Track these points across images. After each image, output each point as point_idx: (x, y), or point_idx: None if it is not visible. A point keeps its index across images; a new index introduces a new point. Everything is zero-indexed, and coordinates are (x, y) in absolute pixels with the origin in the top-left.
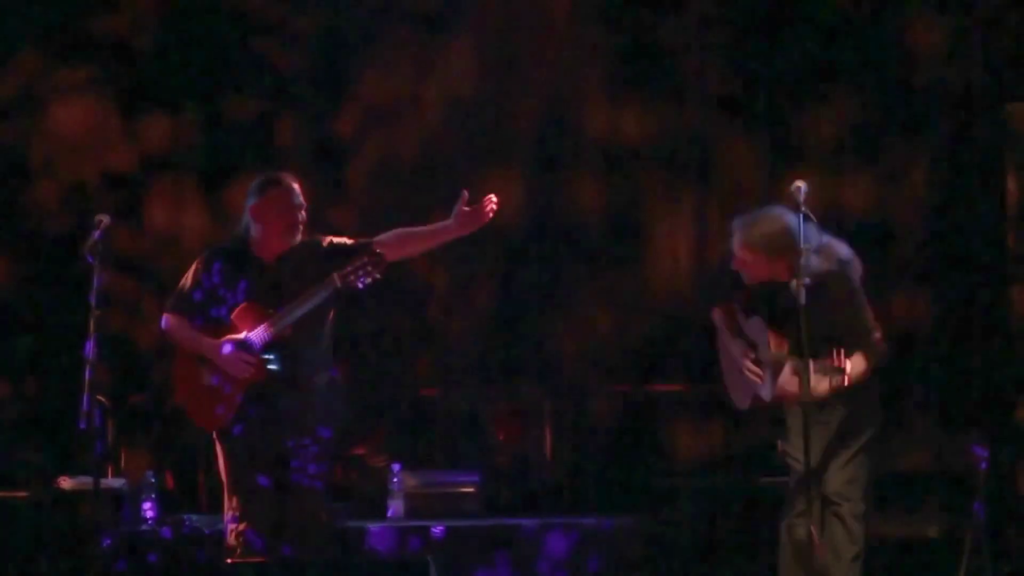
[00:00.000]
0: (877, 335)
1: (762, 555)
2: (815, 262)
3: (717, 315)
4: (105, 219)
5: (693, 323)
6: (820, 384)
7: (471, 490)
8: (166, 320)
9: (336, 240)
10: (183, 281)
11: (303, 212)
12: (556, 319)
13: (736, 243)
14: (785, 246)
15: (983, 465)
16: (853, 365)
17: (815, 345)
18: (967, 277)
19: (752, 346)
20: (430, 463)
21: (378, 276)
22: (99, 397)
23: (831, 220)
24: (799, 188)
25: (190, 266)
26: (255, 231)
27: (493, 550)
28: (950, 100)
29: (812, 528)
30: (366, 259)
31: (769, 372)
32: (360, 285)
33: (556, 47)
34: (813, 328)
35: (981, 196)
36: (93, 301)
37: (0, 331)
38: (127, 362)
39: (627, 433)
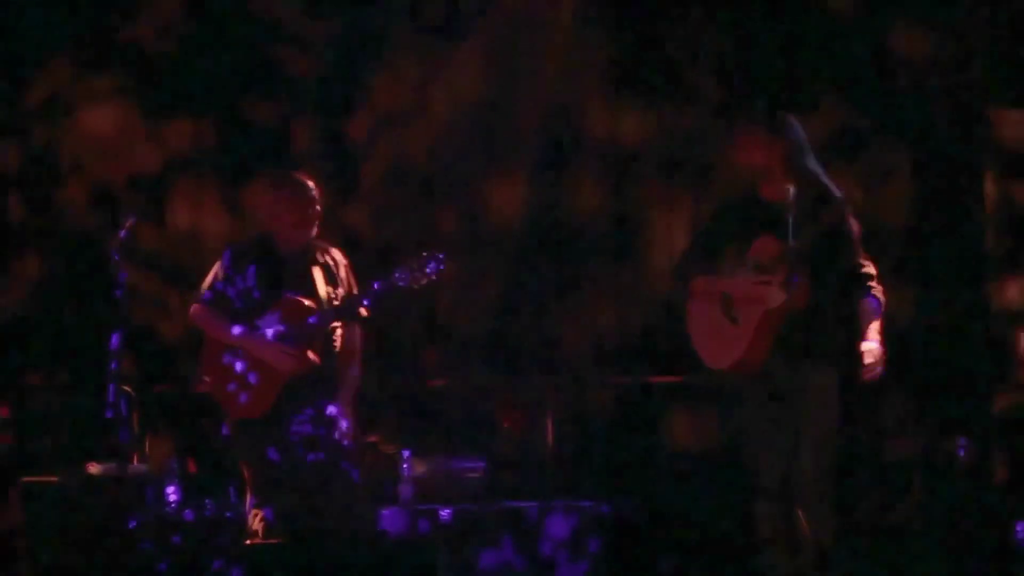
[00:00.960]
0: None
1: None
2: (814, 165)
3: (695, 285)
4: (130, 218)
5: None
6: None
7: (477, 475)
8: (194, 310)
9: (343, 261)
10: (210, 274)
11: (316, 207)
12: (558, 314)
13: (736, 128)
14: (784, 124)
15: (961, 452)
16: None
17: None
18: (948, 275)
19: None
20: (438, 450)
21: (433, 278)
22: (125, 387)
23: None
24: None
25: (213, 261)
26: (273, 226)
27: (498, 532)
28: (933, 106)
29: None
30: (421, 260)
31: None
32: (415, 285)
33: (558, 55)
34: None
35: (961, 198)
36: (119, 296)
37: (31, 324)
38: (151, 354)
39: (625, 422)
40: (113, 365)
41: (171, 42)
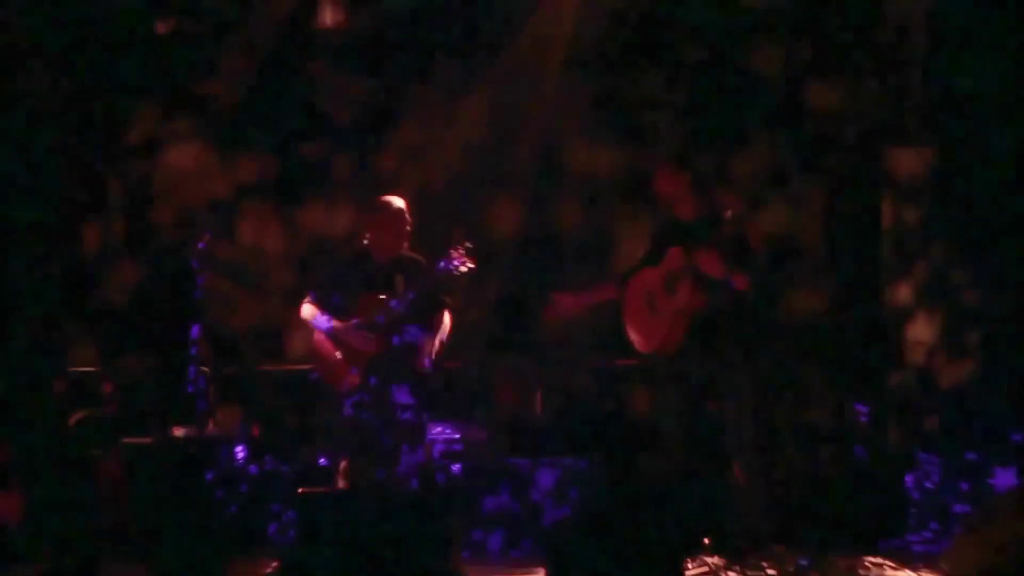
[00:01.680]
0: None
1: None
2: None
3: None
4: (207, 234)
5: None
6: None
7: (481, 437)
8: (305, 308)
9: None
10: (318, 277)
11: (408, 227)
12: (546, 308)
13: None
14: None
15: (863, 418)
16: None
17: None
18: (853, 280)
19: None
20: (451, 418)
21: (470, 266)
22: (202, 368)
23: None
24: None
25: (274, 268)
26: (371, 240)
27: (497, 483)
28: (842, 146)
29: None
30: (457, 253)
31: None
32: (455, 272)
33: (546, 103)
34: None
35: (863, 218)
36: (198, 296)
37: (132, 318)
38: (223, 341)
39: (599, 395)
40: (193, 350)
41: (239, 94)
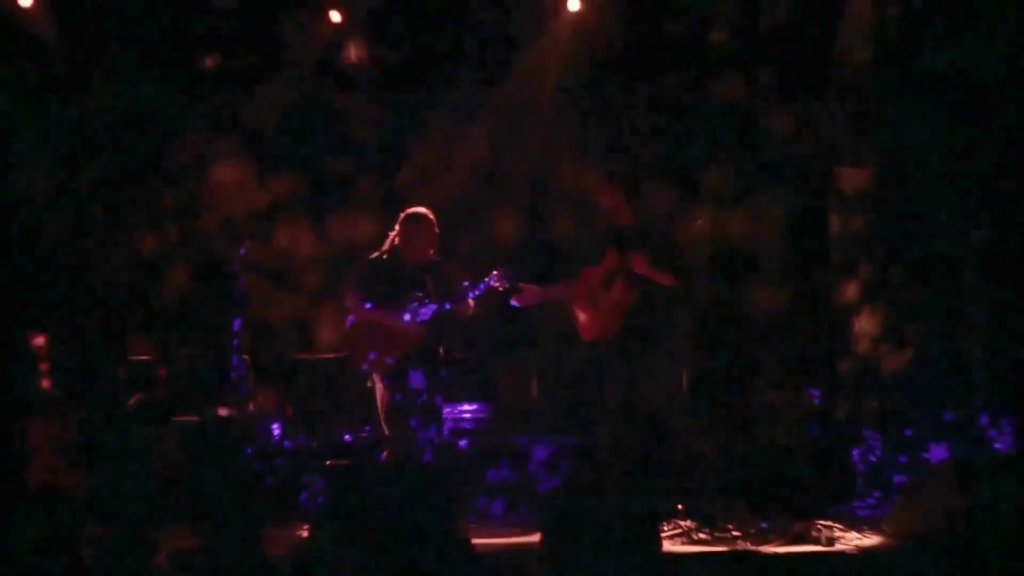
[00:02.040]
0: None
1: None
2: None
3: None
4: (247, 240)
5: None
6: None
7: (485, 416)
8: (350, 298)
9: (449, 270)
10: (358, 273)
11: (435, 235)
12: (540, 308)
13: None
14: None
15: (816, 400)
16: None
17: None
18: (806, 281)
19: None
20: (458, 399)
21: (507, 284)
22: (243, 356)
23: (720, 243)
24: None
25: (306, 271)
26: (404, 245)
27: (499, 456)
28: (796, 166)
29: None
30: (496, 274)
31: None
32: (500, 288)
33: (540, 131)
34: None
35: (814, 229)
36: (240, 294)
37: (182, 313)
38: (261, 333)
39: (586, 380)
40: (235, 341)
41: (275, 119)
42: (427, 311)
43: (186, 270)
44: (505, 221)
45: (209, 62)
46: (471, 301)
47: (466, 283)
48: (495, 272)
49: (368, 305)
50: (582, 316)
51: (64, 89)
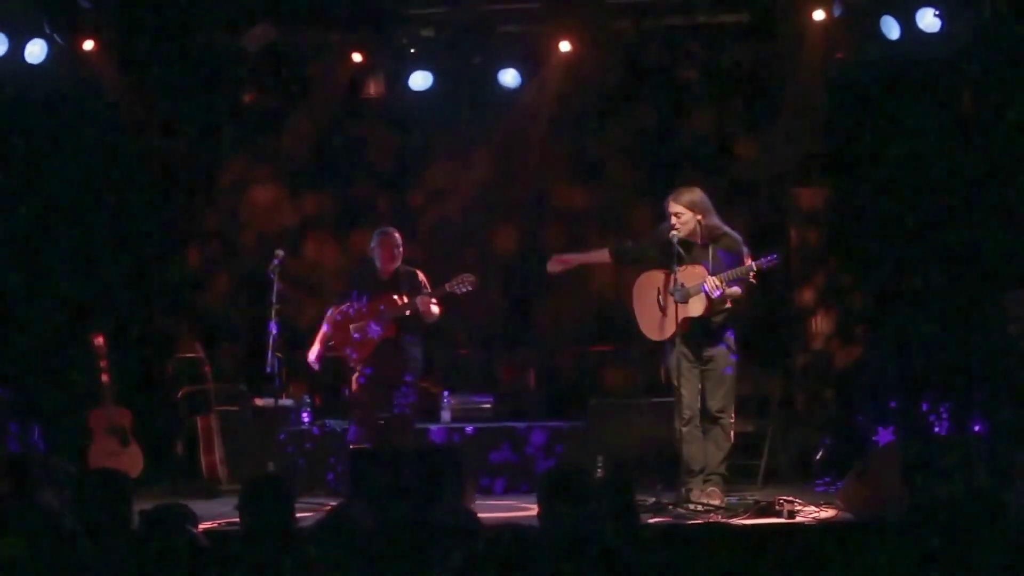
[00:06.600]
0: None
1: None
2: (715, 220)
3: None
4: (280, 253)
5: (618, 311)
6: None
7: (488, 406)
8: (333, 307)
9: (421, 277)
10: (340, 285)
11: (400, 249)
12: (536, 309)
13: (671, 206)
14: (703, 208)
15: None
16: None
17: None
18: (770, 287)
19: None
20: (465, 390)
21: (470, 288)
22: (277, 354)
23: None
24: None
25: (332, 280)
26: (376, 258)
27: (500, 440)
28: (758, 185)
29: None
30: (464, 277)
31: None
32: (459, 292)
33: (535, 154)
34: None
35: (776, 242)
36: (274, 300)
37: (223, 319)
38: (292, 334)
39: (578, 375)
40: (271, 340)
41: (304, 147)
42: (376, 329)
43: (227, 279)
44: (505, 235)
45: (248, 98)
46: (434, 307)
47: (428, 289)
48: (462, 277)
49: (353, 296)
50: (647, 317)
51: (128, 128)
